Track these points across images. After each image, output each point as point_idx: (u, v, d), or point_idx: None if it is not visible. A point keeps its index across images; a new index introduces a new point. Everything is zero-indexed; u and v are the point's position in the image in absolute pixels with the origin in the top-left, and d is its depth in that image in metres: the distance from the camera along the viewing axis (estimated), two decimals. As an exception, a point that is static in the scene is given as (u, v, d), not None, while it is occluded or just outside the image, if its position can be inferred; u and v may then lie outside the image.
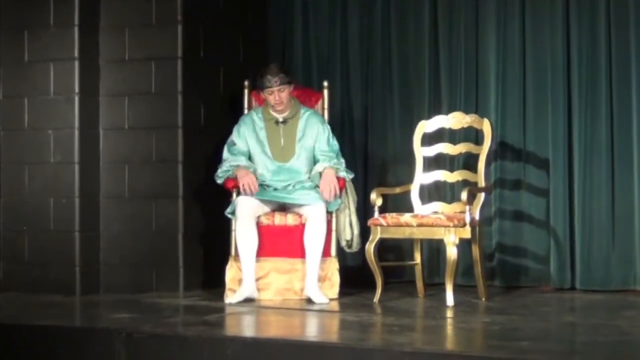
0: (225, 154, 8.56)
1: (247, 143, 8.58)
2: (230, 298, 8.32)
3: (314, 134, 8.59)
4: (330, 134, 8.64)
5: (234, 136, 8.60)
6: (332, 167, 8.48)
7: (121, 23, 9.00)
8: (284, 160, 8.58)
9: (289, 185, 8.52)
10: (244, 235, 8.34)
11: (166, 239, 8.88)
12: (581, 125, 8.74)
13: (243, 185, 8.38)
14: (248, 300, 8.27)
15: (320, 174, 8.48)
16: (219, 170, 8.53)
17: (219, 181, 8.54)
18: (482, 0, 9.13)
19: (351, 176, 8.60)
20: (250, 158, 8.59)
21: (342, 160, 8.61)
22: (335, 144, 8.65)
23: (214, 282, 8.71)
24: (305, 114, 8.63)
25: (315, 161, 8.61)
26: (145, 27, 8.94)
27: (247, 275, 8.33)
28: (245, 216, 8.35)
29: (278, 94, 8.42)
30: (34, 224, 9.01)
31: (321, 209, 8.31)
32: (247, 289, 8.31)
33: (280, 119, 8.56)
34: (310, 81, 9.55)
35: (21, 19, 9.04)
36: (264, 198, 8.45)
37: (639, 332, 6.89)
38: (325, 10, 9.70)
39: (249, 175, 8.42)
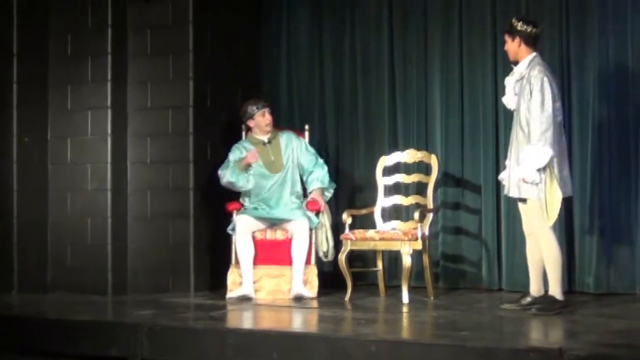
0: (222, 171, 8.51)
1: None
2: (232, 293, 8.28)
3: (295, 147, 8.58)
4: (306, 143, 8.65)
5: (230, 158, 8.54)
6: (320, 189, 8.49)
7: (145, 79, 8.95)
8: (277, 170, 8.53)
9: (280, 199, 8.46)
10: (243, 247, 8.30)
11: (180, 250, 8.80)
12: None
13: (248, 157, 8.41)
14: (246, 299, 8.21)
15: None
16: (226, 175, 8.47)
17: (225, 179, 8.48)
18: (429, 58, 9.08)
19: (332, 190, 8.61)
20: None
21: (322, 161, 8.63)
22: (311, 149, 8.65)
23: (218, 285, 8.63)
24: (283, 134, 8.61)
25: (303, 170, 8.58)
26: (164, 82, 8.89)
27: (246, 279, 8.29)
28: (243, 232, 8.31)
29: (268, 114, 8.42)
30: (75, 239, 8.91)
31: (305, 225, 8.29)
32: (246, 288, 8.26)
33: (266, 140, 8.52)
34: (293, 124, 9.44)
35: (66, 76, 8.99)
36: (259, 216, 8.41)
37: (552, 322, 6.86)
38: (306, 66, 9.63)
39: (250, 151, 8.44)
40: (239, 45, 9.43)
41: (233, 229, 8.39)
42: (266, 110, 8.50)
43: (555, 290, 7.22)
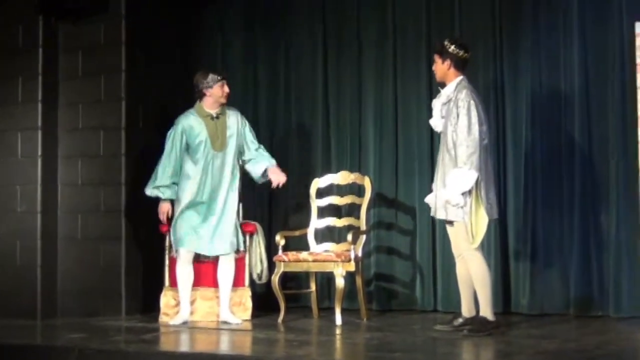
0: (159, 176, 8.36)
1: (182, 150, 8.32)
2: (173, 320, 8.17)
3: (240, 129, 8.37)
4: (250, 127, 8.47)
5: (169, 149, 8.33)
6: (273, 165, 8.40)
7: (76, 100, 8.89)
8: (221, 149, 8.30)
9: (218, 190, 8.26)
10: (183, 275, 8.22)
11: (111, 273, 8.70)
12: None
13: (160, 215, 8.34)
14: (184, 323, 8.14)
15: (265, 170, 8.40)
16: (152, 187, 8.37)
17: (149, 193, 8.38)
18: (364, 80, 9.15)
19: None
20: (180, 168, 8.36)
21: (261, 146, 8.48)
22: (254, 135, 8.47)
23: (150, 308, 8.56)
24: (230, 114, 8.38)
25: (244, 149, 8.41)
26: (96, 103, 8.83)
27: (184, 304, 8.22)
28: (185, 262, 8.22)
29: (226, 86, 8.28)
30: (3, 261, 8.80)
31: (230, 255, 8.24)
32: (185, 314, 8.20)
33: (214, 114, 8.33)
34: (227, 146, 9.44)
35: (-6, 96, 8.96)
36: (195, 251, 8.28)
37: (484, 342, 6.89)
38: (240, 89, 9.52)
39: (166, 205, 8.31)
40: (172, 67, 9.38)
41: (177, 250, 8.24)
42: (225, 82, 8.29)
43: (486, 311, 7.26)
